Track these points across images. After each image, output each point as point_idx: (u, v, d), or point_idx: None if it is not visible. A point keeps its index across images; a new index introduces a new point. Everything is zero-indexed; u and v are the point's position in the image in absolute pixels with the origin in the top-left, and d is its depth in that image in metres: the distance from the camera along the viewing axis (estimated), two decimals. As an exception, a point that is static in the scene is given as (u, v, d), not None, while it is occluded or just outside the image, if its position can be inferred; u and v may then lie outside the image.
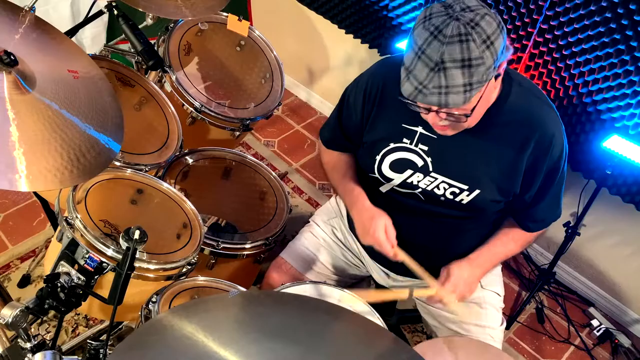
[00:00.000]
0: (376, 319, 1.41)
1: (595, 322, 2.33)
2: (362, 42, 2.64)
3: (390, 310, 1.83)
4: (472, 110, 1.18)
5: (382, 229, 1.38)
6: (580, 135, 2.04)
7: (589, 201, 2.06)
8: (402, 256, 1.41)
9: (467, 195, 1.37)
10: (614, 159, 1.87)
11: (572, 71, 1.95)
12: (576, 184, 2.16)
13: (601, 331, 2.30)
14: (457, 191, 1.37)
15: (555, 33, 1.92)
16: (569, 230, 2.16)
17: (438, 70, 1.09)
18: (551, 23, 1.91)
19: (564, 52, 1.94)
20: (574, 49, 1.90)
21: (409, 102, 1.17)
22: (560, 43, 1.92)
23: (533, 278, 2.46)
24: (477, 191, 1.36)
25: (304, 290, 1.46)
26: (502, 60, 1.16)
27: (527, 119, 1.30)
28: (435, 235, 1.50)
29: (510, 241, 1.49)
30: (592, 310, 2.38)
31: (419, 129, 1.36)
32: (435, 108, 1.18)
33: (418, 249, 1.52)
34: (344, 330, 0.92)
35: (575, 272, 2.46)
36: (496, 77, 1.19)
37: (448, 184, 1.37)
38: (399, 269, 1.59)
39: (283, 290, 1.43)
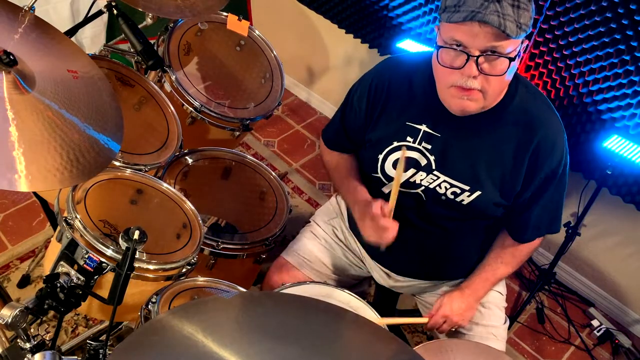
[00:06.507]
0: (376, 319, 1.41)
1: (595, 322, 2.33)
2: (362, 42, 2.64)
3: (390, 311, 1.83)
4: (511, 60, 1.16)
5: (377, 205, 1.34)
6: (581, 135, 2.04)
7: (589, 201, 2.06)
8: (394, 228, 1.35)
9: (468, 196, 1.36)
10: (614, 159, 1.87)
11: (572, 71, 1.95)
12: (576, 184, 2.16)
13: (601, 331, 2.30)
14: (458, 191, 1.37)
15: (556, 33, 1.92)
16: (569, 231, 2.15)
17: (492, 1, 1.11)
18: (551, 23, 1.91)
19: (564, 52, 1.94)
20: (574, 49, 1.90)
21: (452, 44, 1.17)
22: (561, 43, 1.92)
23: (533, 278, 2.46)
24: (478, 192, 1.35)
25: (305, 290, 1.46)
26: (526, 35, 1.17)
27: (531, 121, 1.30)
28: (432, 240, 1.49)
29: (501, 265, 1.50)
30: (592, 310, 2.38)
31: (423, 127, 1.36)
32: (477, 52, 1.16)
33: (415, 254, 1.52)
34: (344, 330, 0.92)
35: (575, 272, 2.46)
36: (515, 59, 1.18)
37: (450, 183, 1.37)
38: (400, 269, 1.59)
39: (283, 291, 1.43)
